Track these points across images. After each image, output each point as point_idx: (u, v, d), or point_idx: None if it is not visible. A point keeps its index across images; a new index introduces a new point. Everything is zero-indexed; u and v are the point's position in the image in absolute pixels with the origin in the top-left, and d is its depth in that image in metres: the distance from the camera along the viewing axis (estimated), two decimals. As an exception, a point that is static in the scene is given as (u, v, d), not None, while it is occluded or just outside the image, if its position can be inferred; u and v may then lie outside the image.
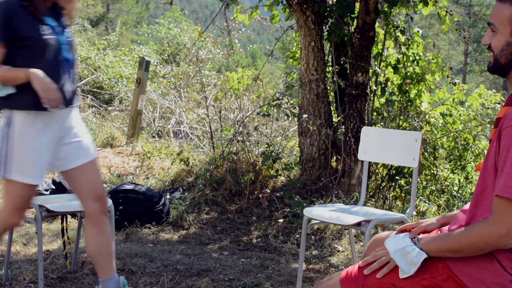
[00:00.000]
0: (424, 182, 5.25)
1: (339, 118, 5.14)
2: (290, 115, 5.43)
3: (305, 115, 5.03)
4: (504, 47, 1.68)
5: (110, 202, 3.12)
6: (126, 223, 4.46)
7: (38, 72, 2.42)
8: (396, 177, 5.00)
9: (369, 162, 3.66)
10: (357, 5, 5.15)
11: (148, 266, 3.57)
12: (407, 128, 5.13)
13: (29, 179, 2.49)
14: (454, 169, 5.39)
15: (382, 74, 5.62)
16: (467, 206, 1.82)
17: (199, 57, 10.57)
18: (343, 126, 5.01)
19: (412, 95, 5.55)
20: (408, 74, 5.51)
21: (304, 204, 4.60)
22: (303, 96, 5.18)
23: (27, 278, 3.23)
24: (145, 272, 3.48)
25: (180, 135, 8.27)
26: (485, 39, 1.73)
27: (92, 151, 2.70)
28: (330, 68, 5.39)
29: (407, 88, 5.48)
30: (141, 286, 3.23)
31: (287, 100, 5.45)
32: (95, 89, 10.72)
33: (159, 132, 8.60)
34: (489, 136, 1.77)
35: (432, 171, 5.35)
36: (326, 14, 5.11)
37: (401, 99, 5.49)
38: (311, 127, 5.08)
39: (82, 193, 2.67)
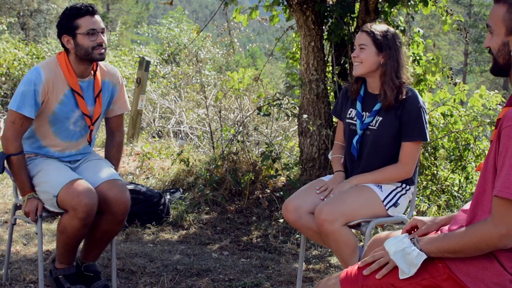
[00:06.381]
0: (424, 182, 5.25)
1: (339, 118, 5.13)
2: (290, 115, 5.42)
3: (305, 115, 5.03)
4: (500, 48, 1.68)
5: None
6: (126, 223, 4.46)
7: None
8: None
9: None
10: (357, 5, 5.14)
11: (148, 266, 3.57)
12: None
13: None
14: (454, 169, 5.39)
15: (382, 74, 5.59)
16: (467, 206, 1.82)
17: (198, 57, 10.56)
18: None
19: (412, 95, 5.53)
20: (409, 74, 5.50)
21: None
22: (303, 96, 5.17)
23: (27, 278, 3.23)
24: (145, 272, 3.48)
25: (180, 135, 8.27)
26: (486, 42, 1.73)
27: None
28: (330, 68, 5.39)
29: (407, 88, 5.46)
30: (141, 286, 3.23)
31: (287, 101, 5.44)
32: (95, 89, 10.70)
33: (159, 132, 8.60)
34: (490, 137, 1.77)
35: (432, 171, 5.34)
36: (326, 14, 5.10)
37: (401, 99, 5.47)
38: (311, 127, 5.08)
39: None
